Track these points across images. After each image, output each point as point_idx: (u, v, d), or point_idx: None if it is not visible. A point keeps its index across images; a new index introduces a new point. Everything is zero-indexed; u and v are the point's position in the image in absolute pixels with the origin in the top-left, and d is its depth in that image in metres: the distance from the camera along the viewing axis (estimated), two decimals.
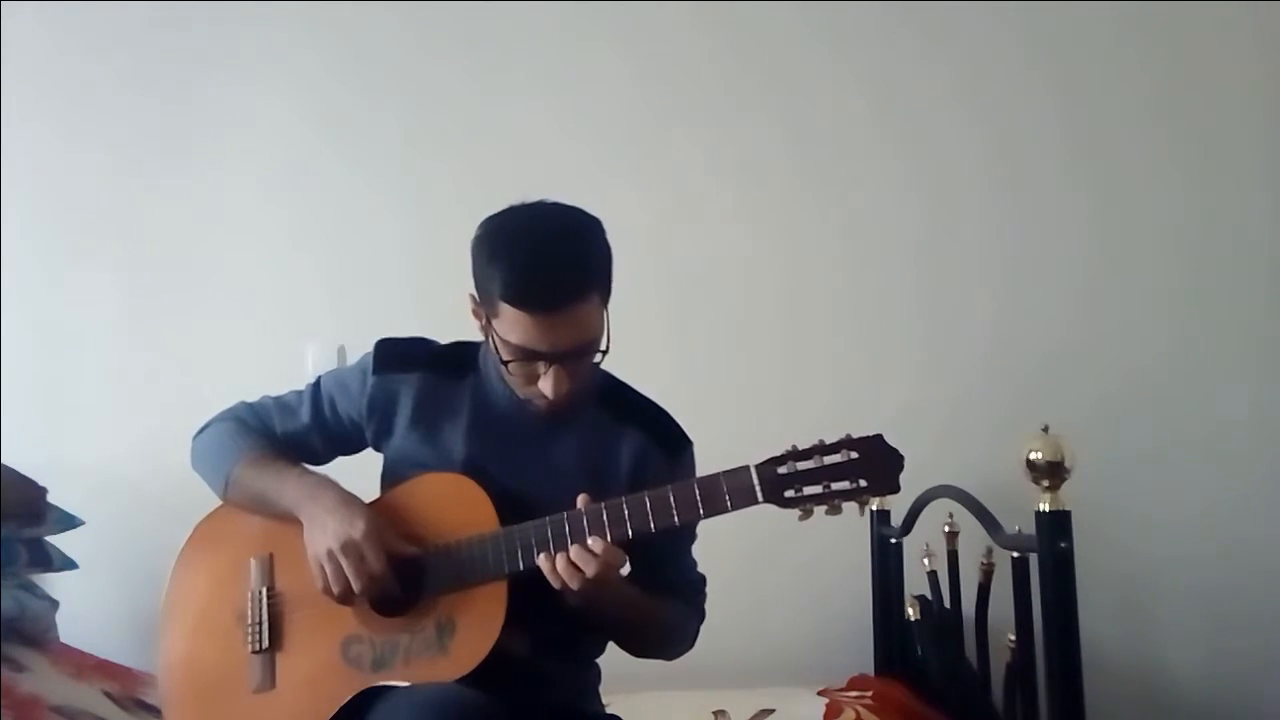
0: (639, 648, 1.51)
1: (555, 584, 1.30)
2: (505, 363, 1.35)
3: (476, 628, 1.33)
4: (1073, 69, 2.66)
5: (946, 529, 2.15)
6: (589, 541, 1.29)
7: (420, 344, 1.51)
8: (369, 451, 1.54)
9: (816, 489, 1.26)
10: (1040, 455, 1.53)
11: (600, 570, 1.28)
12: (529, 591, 1.34)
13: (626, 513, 1.30)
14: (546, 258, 1.31)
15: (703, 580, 1.54)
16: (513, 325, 1.31)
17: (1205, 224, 2.61)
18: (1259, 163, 2.62)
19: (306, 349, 2.55)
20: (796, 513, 1.27)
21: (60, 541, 2.26)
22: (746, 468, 1.28)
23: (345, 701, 1.35)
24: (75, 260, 2.70)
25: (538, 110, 2.68)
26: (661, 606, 1.46)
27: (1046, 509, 1.53)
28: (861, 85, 2.68)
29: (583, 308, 1.31)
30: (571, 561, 1.28)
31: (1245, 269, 2.60)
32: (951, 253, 2.63)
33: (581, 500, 1.32)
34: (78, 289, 2.69)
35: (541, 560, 1.30)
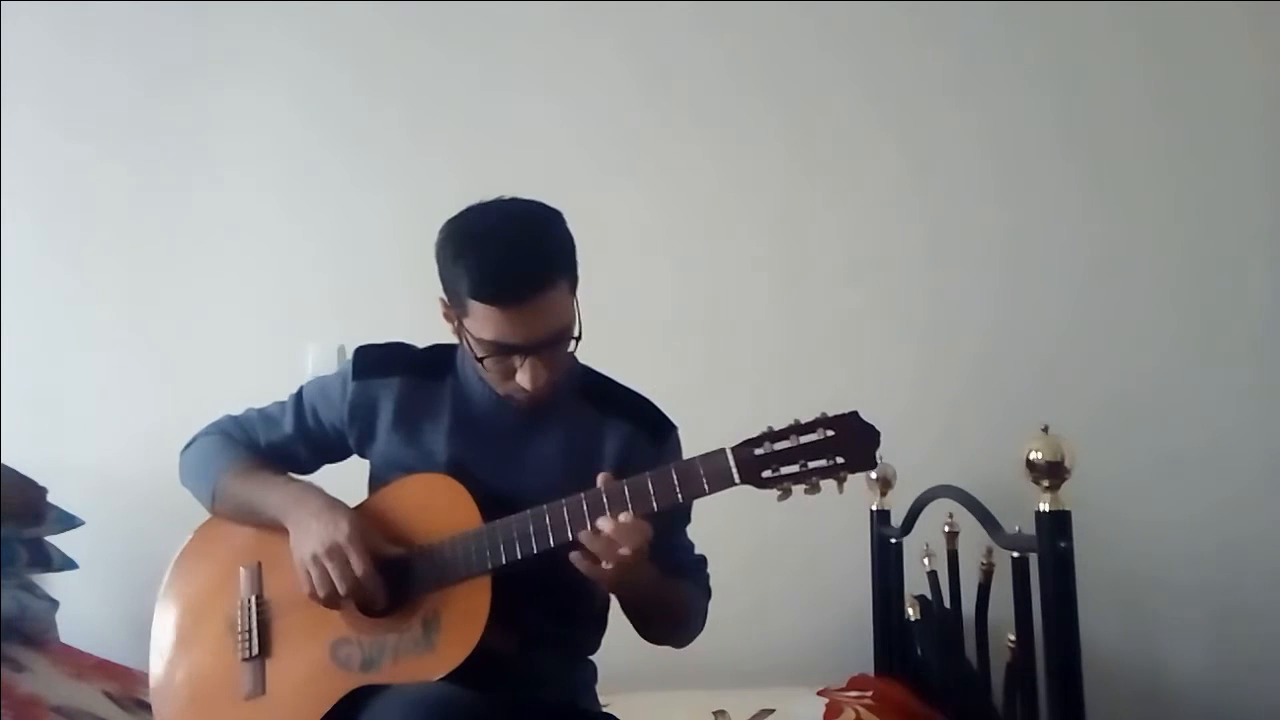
0: (659, 629, 1.50)
1: (586, 570, 1.29)
2: (480, 359, 1.35)
3: (462, 623, 1.33)
4: (1074, 70, 2.65)
5: (946, 529, 2.15)
6: (621, 516, 1.28)
7: (398, 348, 1.53)
8: (356, 458, 1.54)
9: (793, 468, 1.26)
10: (1040, 455, 1.53)
11: (637, 546, 1.27)
12: (516, 588, 1.34)
13: (606, 501, 1.30)
14: (510, 250, 1.31)
15: (703, 560, 1.54)
16: (484, 321, 1.31)
17: (1205, 225, 2.61)
18: (1259, 164, 2.62)
19: (307, 350, 2.54)
20: (785, 502, 1.27)
21: (60, 541, 2.26)
22: (723, 450, 1.28)
23: (336, 702, 1.35)
24: (75, 260, 2.70)
25: (538, 109, 2.68)
26: (678, 586, 1.46)
27: (1046, 509, 1.53)
28: (863, 86, 2.68)
29: (551, 296, 1.31)
30: (610, 539, 1.28)
31: (1245, 270, 2.59)
32: (952, 253, 2.63)
33: (603, 479, 1.31)
34: (78, 289, 2.70)
35: (576, 557, 1.29)
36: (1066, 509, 1.52)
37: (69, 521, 2.24)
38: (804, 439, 1.26)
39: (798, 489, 1.27)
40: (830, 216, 2.66)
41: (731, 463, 1.27)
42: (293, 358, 2.50)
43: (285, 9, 2.71)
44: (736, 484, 1.28)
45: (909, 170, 2.65)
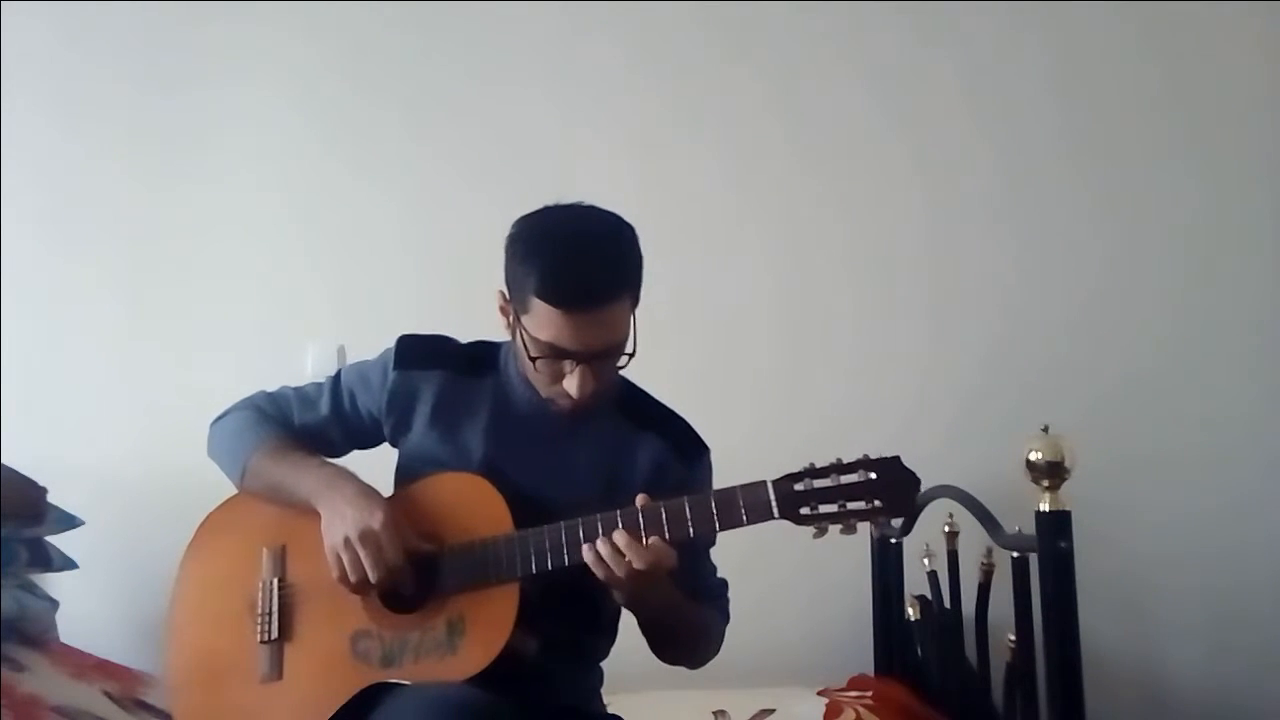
0: (676, 650, 1.50)
1: (601, 574, 1.29)
2: (533, 359, 1.35)
3: (487, 629, 1.33)
4: (1077, 71, 2.65)
5: (946, 529, 2.15)
6: (652, 540, 1.28)
7: (442, 341, 1.52)
8: (383, 445, 1.54)
9: (832, 508, 1.26)
10: (1040, 455, 1.53)
11: (651, 565, 1.27)
12: (539, 595, 1.34)
13: (642, 522, 1.30)
14: (583, 256, 1.32)
15: (724, 585, 1.54)
16: (544, 322, 1.31)
17: (1206, 225, 2.61)
18: (1262, 163, 2.62)
19: (306, 349, 2.55)
20: (812, 531, 1.27)
21: (60, 541, 2.26)
22: (764, 483, 1.28)
23: (351, 696, 1.35)
24: (75, 260, 2.70)
25: (539, 109, 2.68)
26: (699, 610, 1.47)
27: (1046, 509, 1.53)
28: (866, 86, 2.67)
29: (613, 309, 1.32)
30: (618, 549, 1.28)
31: (1246, 270, 2.59)
32: (954, 254, 2.63)
33: (640, 500, 1.31)
34: (78, 288, 2.69)
35: (587, 551, 1.29)
36: (1066, 509, 1.52)
37: (69, 521, 2.24)
38: (844, 479, 1.27)
39: (834, 529, 1.27)
40: (832, 217, 2.66)
41: (772, 496, 1.27)
42: (293, 357, 2.50)
43: (285, 9, 2.70)
44: (775, 518, 1.28)
45: (911, 170, 2.65)
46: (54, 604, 2.19)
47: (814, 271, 2.64)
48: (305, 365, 2.47)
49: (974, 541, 1.96)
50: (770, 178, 2.67)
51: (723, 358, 2.59)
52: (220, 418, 1.56)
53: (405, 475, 1.49)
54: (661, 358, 2.39)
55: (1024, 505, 1.57)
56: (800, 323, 2.62)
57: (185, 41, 2.72)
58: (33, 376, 2.62)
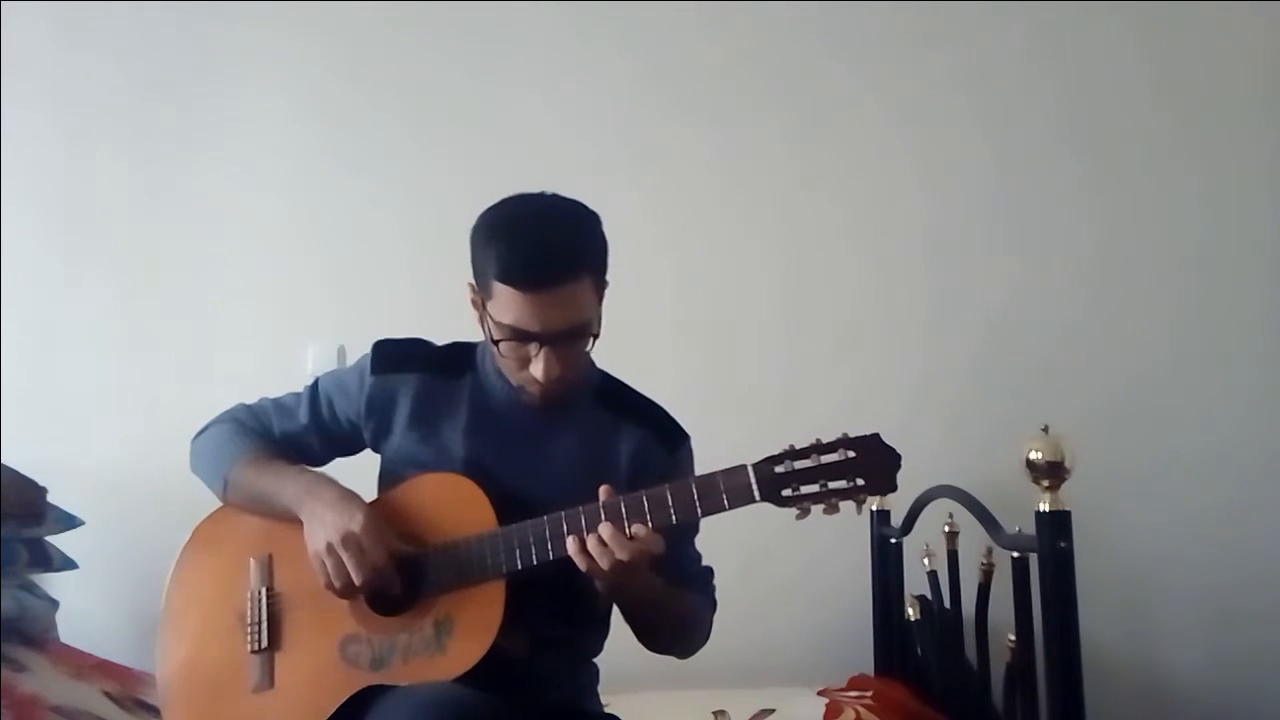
0: (662, 639, 1.50)
1: (583, 566, 1.29)
2: (496, 342, 1.36)
3: (475, 626, 1.33)
4: (1077, 71, 2.66)
5: (946, 529, 2.15)
6: (631, 528, 1.28)
7: (418, 344, 1.52)
8: (367, 452, 1.54)
9: (814, 488, 1.26)
10: (1040, 455, 1.53)
11: (635, 554, 1.27)
12: (527, 591, 1.34)
13: (624, 511, 1.30)
14: (540, 237, 1.33)
15: (710, 572, 1.54)
16: (505, 305, 1.32)
17: (1206, 226, 2.61)
18: (1262, 165, 2.62)
19: (307, 349, 2.55)
20: (794, 512, 1.28)
21: (60, 541, 2.26)
22: (744, 466, 1.28)
23: (344, 701, 1.35)
24: (76, 260, 2.70)
25: (539, 109, 2.68)
26: (683, 597, 1.47)
27: (1046, 509, 1.53)
28: (865, 85, 2.68)
29: (574, 289, 1.32)
30: (603, 541, 1.28)
31: (1246, 271, 2.59)
32: (953, 253, 2.63)
33: (604, 492, 1.31)
34: (78, 289, 2.69)
35: (570, 543, 1.29)
36: (1066, 509, 1.52)
37: (69, 521, 2.24)
38: (825, 459, 1.27)
39: (816, 509, 1.27)
40: (831, 216, 2.66)
41: (752, 479, 1.27)
42: (293, 358, 2.50)
43: (285, 9, 2.70)
44: (757, 501, 1.28)
45: (912, 170, 2.65)
46: (54, 604, 2.19)
47: (813, 271, 2.64)
48: (305, 365, 2.47)
49: (974, 541, 1.96)
50: (769, 180, 2.67)
51: (721, 357, 2.59)
52: (201, 432, 1.57)
53: (388, 479, 1.49)
54: (660, 357, 2.43)
55: (1024, 505, 1.57)
56: (799, 322, 2.62)
57: (185, 42, 2.72)
58: (33, 376, 2.62)
